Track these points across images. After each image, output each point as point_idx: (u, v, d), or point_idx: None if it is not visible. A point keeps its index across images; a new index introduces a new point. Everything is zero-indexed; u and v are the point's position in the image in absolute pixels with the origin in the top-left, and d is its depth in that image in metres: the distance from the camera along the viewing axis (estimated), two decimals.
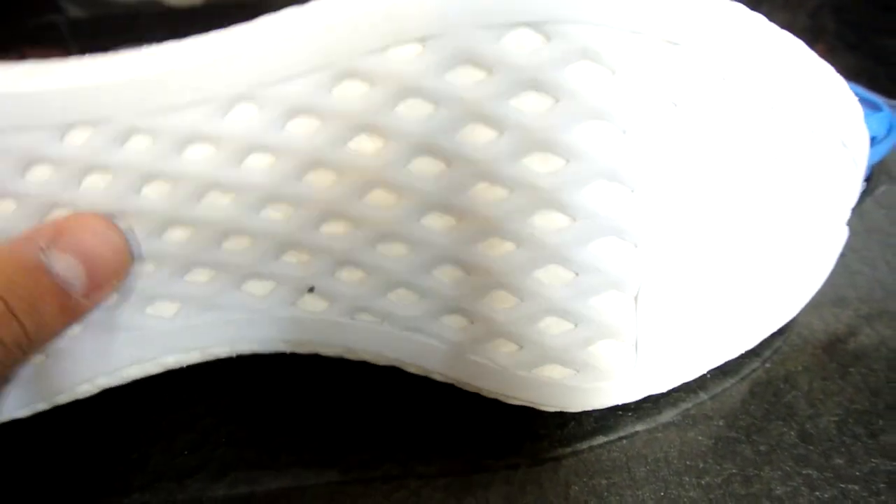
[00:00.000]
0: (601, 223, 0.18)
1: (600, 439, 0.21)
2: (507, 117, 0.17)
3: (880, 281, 0.25)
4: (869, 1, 0.40)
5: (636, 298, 0.19)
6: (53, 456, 0.21)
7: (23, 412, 0.19)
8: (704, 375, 0.22)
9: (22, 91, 0.16)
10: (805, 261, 0.21)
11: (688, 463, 0.20)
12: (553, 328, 0.19)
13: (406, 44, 0.16)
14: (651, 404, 0.22)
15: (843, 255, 0.25)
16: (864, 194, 0.28)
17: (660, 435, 0.21)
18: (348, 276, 0.19)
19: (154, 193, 0.17)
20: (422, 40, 0.16)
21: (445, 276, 0.19)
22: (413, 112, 0.17)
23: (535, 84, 0.17)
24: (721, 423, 0.21)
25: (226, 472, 0.20)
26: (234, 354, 0.20)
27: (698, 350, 0.21)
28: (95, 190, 0.17)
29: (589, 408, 0.21)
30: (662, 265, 0.19)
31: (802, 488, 0.19)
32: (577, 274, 0.18)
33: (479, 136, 0.17)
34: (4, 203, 0.17)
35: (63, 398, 0.20)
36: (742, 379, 0.22)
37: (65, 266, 0.16)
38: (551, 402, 0.20)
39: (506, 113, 0.17)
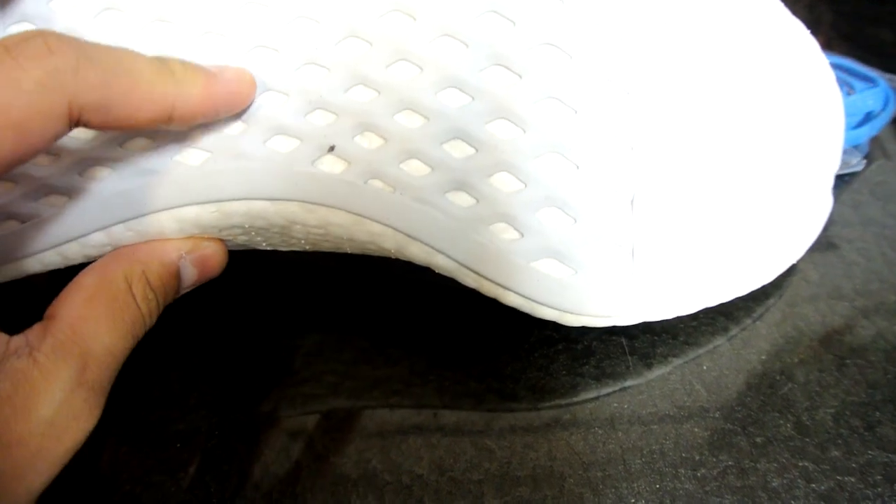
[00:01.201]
0: (601, 121, 0.19)
1: (596, 431, 0.21)
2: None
3: (877, 273, 0.25)
4: None
5: (632, 202, 0.20)
6: None
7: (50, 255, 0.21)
8: (700, 367, 0.22)
9: None
10: (797, 211, 0.22)
11: (683, 455, 0.20)
12: (553, 220, 0.20)
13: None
14: (646, 396, 0.21)
15: (838, 248, 0.25)
16: (863, 171, 0.28)
17: (655, 427, 0.21)
18: (367, 141, 0.20)
19: (193, 41, 0.19)
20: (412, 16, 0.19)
21: (456, 151, 0.20)
22: None
23: (501, 60, 0.19)
24: (717, 415, 0.21)
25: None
26: (247, 224, 0.21)
27: (694, 282, 0.21)
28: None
29: (585, 314, 0.21)
30: (658, 173, 0.20)
31: (799, 480, 0.19)
32: (577, 167, 0.19)
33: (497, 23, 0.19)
34: None
35: (91, 238, 0.21)
36: (738, 371, 0.22)
37: (189, 275, 0.21)
38: (548, 301, 0.21)
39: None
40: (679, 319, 0.23)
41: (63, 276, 0.20)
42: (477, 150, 0.20)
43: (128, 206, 0.20)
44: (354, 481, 0.20)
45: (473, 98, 0.19)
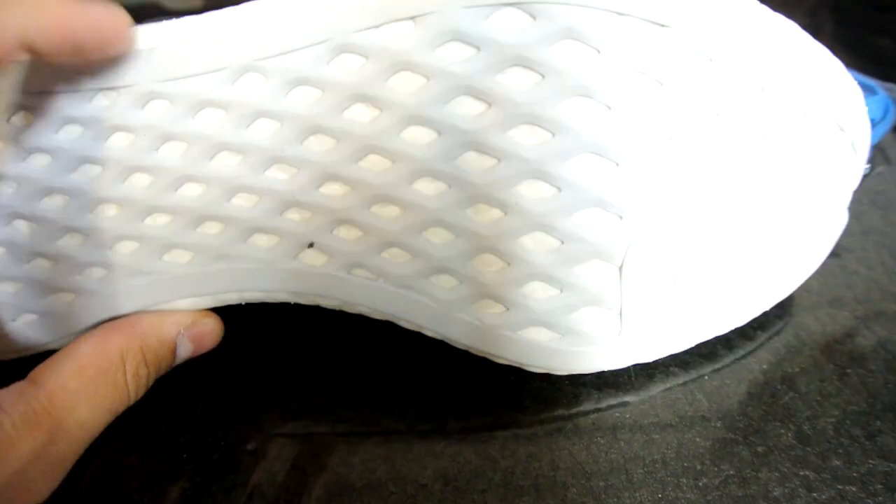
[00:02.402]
0: (586, 194, 0.19)
1: (598, 440, 0.21)
2: (494, 91, 0.18)
3: (877, 282, 0.25)
4: (865, 1, 0.41)
5: (621, 269, 0.20)
6: None
7: (53, 344, 0.21)
8: (702, 377, 0.22)
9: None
10: (799, 243, 0.22)
11: (685, 464, 0.20)
12: (538, 293, 0.20)
13: (399, 21, 0.18)
14: (648, 406, 0.22)
15: (839, 257, 0.26)
16: (864, 178, 0.28)
17: (657, 437, 0.21)
18: (346, 233, 0.20)
19: (171, 152, 0.19)
20: (413, 18, 0.17)
21: (435, 238, 0.20)
22: (405, 84, 0.18)
23: (521, 61, 0.17)
24: (718, 424, 0.21)
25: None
26: (243, 302, 0.21)
27: (687, 322, 0.21)
28: (118, 149, 0.19)
29: (576, 371, 0.21)
30: (648, 238, 0.19)
31: (800, 489, 0.19)
32: (562, 242, 0.19)
33: (468, 109, 0.18)
34: (41, 157, 0.19)
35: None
36: (740, 381, 0.22)
37: (185, 349, 0.21)
38: (537, 363, 0.21)
39: (492, 87, 0.18)
40: None
41: None
42: (457, 236, 0.19)
43: (129, 301, 0.21)
44: (359, 490, 0.20)
45: (450, 186, 0.19)
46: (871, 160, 0.29)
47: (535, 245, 0.19)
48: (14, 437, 0.16)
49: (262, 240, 0.20)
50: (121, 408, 0.19)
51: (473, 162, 0.19)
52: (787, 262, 0.22)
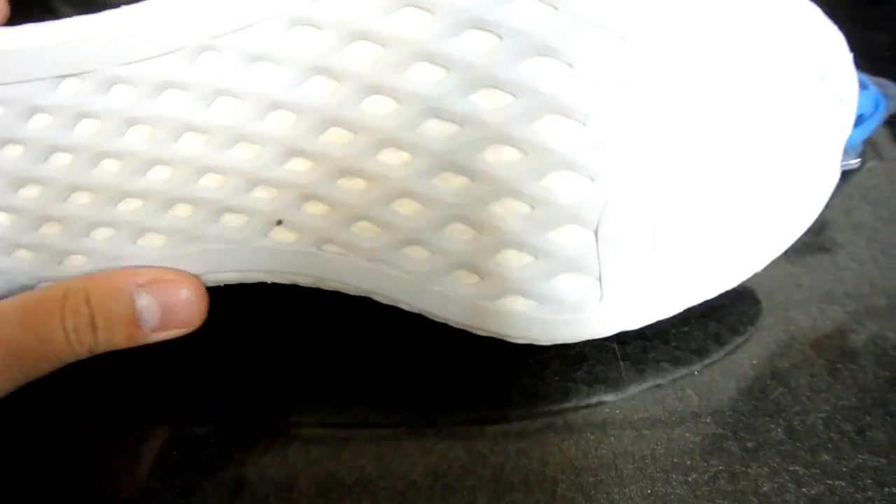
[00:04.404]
0: (553, 157, 0.18)
1: (588, 436, 0.21)
2: (452, 56, 0.18)
3: (868, 277, 0.25)
4: None
5: (596, 232, 0.19)
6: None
7: None
8: (692, 372, 0.22)
9: (19, 47, 0.18)
10: (786, 201, 0.21)
11: (675, 460, 0.20)
12: (513, 261, 0.19)
13: None
14: (638, 401, 0.22)
15: (830, 252, 0.26)
16: (857, 171, 0.28)
17: (647, 432, 0.21)
18: (313, 209, 0.20)
19: (138, 136, 0.19)
20: None
21: (403, 209, 0.19)
22: (362, 54, 0.18)
23: (477, 23, 0.17)
24: (708, 419, 0.21)
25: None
26: (220, 283, 0.21)
27: (671, 286, 0.21)
28: (86, 135, 0.19)
29: (558, 340, 0.21)
30: (623, 199, 0.19)
31: (789, 485, 0.19)
32: (532, 208, 0.19)
33: (427, 75, 0.18)
34: (13, 148, 0.19)
35: None
36: (729, 376, 0.22)
37: (148, 309, 0.20)
38: (518, 334, 0.21)
39: (450, 52, 0.18)
40: (671, 325, 0.23)
41: None
42: (425, 206, 0.19)
43: None
44: (349, 486, 0.20)
45: (414, 155, 0.19)
46: (862, 155, 0.29)
47: (505, 212, 0.19)
48: None
49: (232, 219, 0.20)
50: (53, 337, 0.19)
51: (436, 129, 0.18)
52: (776, 220, 0.21)
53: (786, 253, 0.25)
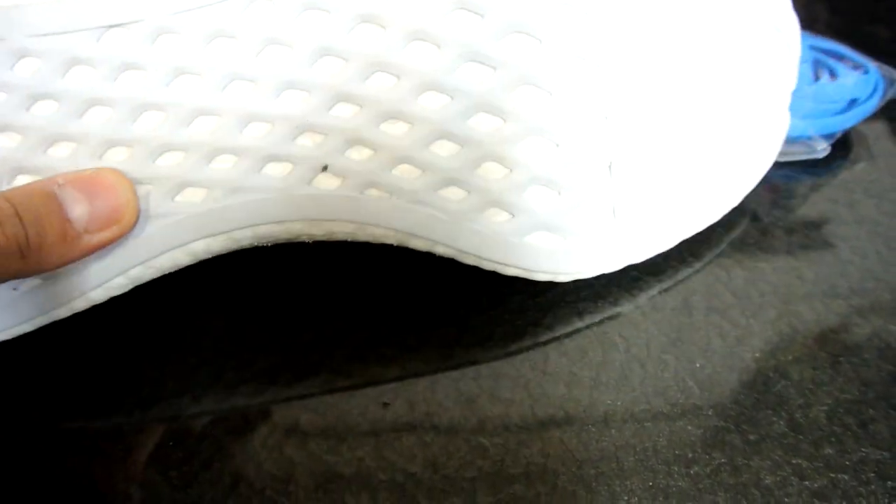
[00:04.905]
0: (574, 98, 0.20)
1: (589, 428, 0.21)
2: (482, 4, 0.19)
3: (871, 271, 0.25)
4: None
5: (610, 167, 0.21)
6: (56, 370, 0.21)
7: (62, 311, 0.21)
8: (694, 365, 0.22)
9: None
10: (753, 139, 0.23)
11: (676, 452, 0.20)
12: (540, 196, 0.21)
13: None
14: (639, 394, 0.21)
15: (833, 246, 0.26)
16: (860, 165, 0.28)
17: (648, 424, 0.21)
18: (357, 154, 0.21)
19: (183, 86, 0.19)
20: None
21: (442, 151, 0.20)
22: (406, 5, 0.19)
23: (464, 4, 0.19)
24: (710, 412, 0.21)
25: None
26: (256, 242, 0.22)
27: (670, 219, 0.23)
28: (128, 87, 0.19)
29: (576, 272, 0.22)
30: (632, 136, 0.21)
31: (792, 478, 0.19)
32: (557, 145, 0.20)
33: (467, 21, 0.19)
34: (47, 104, 0.19)
35: (113, 283, 0.21)
36: (732, 369, 0.22)
37: (72, 200, 0.19)
38: (542, 268, 0.22)
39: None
40: (675, 318, 0.23)
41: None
42: (462, 147, 0.20)
43: (144, 249, 0.21)
44: (348, 479, 0.20)
45: (452, 98, 0.20)
46: (859, 149, 0.29)
47: (532, 150, 0.20)
48: None
49: (276, 168, 0.20)
50: None
51: (473, 73, 0.20)
52: (741, 161, 0.23)
53: (789, 247, 0.24)
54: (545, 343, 0.22)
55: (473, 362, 0.22)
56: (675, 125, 0.21)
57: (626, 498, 0.19)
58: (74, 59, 0.19)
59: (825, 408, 0.21)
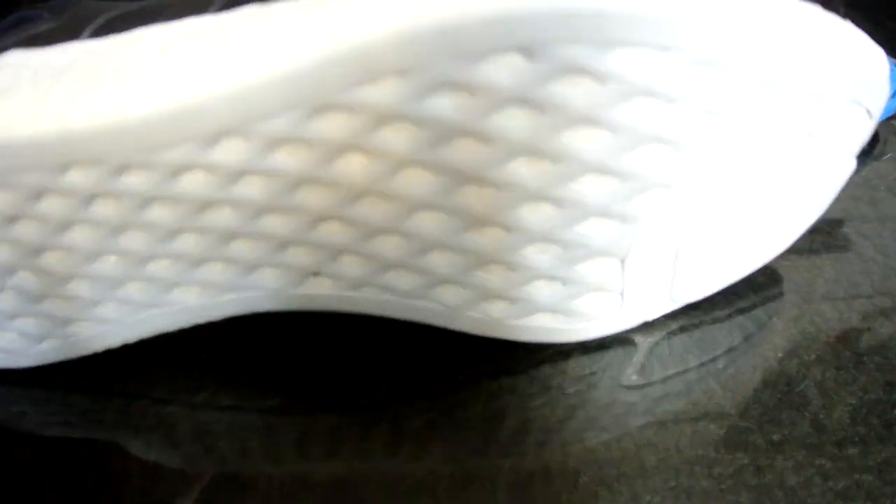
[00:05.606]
0: (585, 210, 0.19)
1: (611, 429, 0.20)
2: (491, 131, 0.17)
3: (894, 269, 0.25)
4: None
5: (623, 262, 0.20)
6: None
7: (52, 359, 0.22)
8: (716, 364, 0.22)
9: (23, 137, 0.17)
10: (798, 205, 0.22)
11: (699, 453, 0.20)
12: (543, 289, 0.21)
13: (383, 78, 0.17)
14: (661, 393, 0.21)
15: (856, 244, 0.25)
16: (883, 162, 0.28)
17: (670, 424, 0.20)
18: (349, 261, 0.20)
19: (160, 210, 0.19)
20: (399, 73, 0.16)
21: (438, 259, 0.20)
22: (396, 134, 0.18)
23: (519, 100, 0.17)
24: (733, 412, 0.21)
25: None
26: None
27: (686, 286, 0.22)
28: (101, 212, 0.19)
29: (580, 340, 0.22)
30: (652, 235, 0.20)
31: (815, 478, 0.19)
32: (564, 249, 0.20)
33: (466, 149, 0.18)
34: (27, 223, 0.19)
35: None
36: (754, 368, 0.22)
37: None
38: (544, 339, 0.22)
39: (490, 127, 0.17)
40: (696, 317, 0.23)
41: None
42: (459, 255, 0.20)
43: (148, 327, 0.22)
44: (368, 476, 0.20)
45: (447, 214, 0.19)
46: (883, 145, 0.29)
47: (537, 253, 0.20)
48: None
49: (266, 273, 0.21)
50: None
51: (473, 194, 0.18)
52: (781, 223, 0.22)
53: (811, 245, 0.24)
54: (565, 343, 0.22)
55: (494, 361, 0.22)
56: (707, 209, 0.20)
57: (647, 498, 0.19)
58: (42, 191, 0.18)
59: (849, 408, 0.21)
